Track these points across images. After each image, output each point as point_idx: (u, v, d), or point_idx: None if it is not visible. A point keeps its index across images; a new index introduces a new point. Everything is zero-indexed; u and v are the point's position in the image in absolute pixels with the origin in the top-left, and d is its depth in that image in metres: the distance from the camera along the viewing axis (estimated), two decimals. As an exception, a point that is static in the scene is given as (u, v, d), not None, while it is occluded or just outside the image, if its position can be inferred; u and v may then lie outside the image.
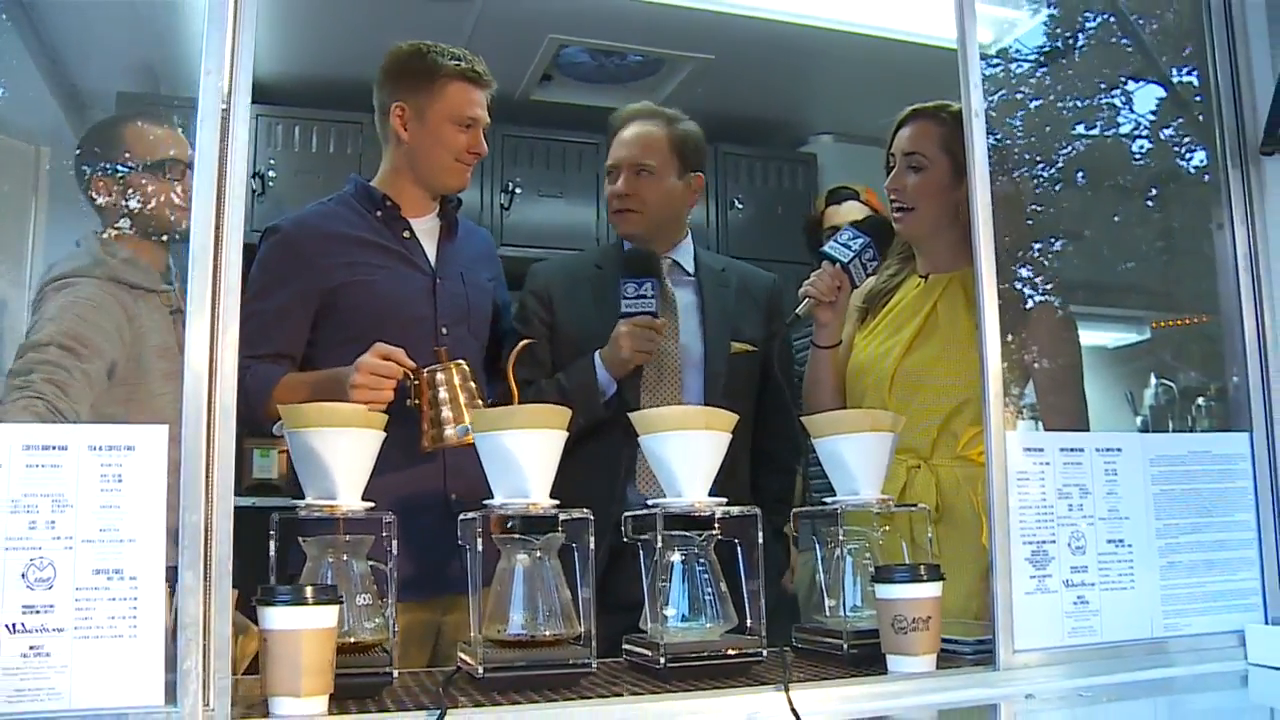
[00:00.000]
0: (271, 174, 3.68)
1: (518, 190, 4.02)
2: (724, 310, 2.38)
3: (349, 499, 1.44)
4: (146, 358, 1.84)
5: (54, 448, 1.21)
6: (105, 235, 1.87)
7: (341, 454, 1.44)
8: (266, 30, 3.45)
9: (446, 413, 1.89)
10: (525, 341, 2.00)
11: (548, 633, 1.47)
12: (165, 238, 1.91)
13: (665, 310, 2.34)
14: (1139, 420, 2.67)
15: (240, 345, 2.01)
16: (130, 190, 1.87)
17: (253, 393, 1.94)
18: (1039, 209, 2.25)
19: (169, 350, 1.86)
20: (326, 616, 1.29)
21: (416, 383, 1.90)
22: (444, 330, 2.15)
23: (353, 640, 1.44)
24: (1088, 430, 1.89)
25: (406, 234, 2.19)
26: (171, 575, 1.23)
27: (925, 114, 2.06)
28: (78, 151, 1.94)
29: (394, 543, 1.43)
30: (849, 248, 2.00)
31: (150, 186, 1.87)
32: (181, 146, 1.91)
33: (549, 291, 2.37)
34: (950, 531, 1.87)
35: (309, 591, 1.28)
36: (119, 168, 1.88)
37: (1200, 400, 2.31)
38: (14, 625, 1.17)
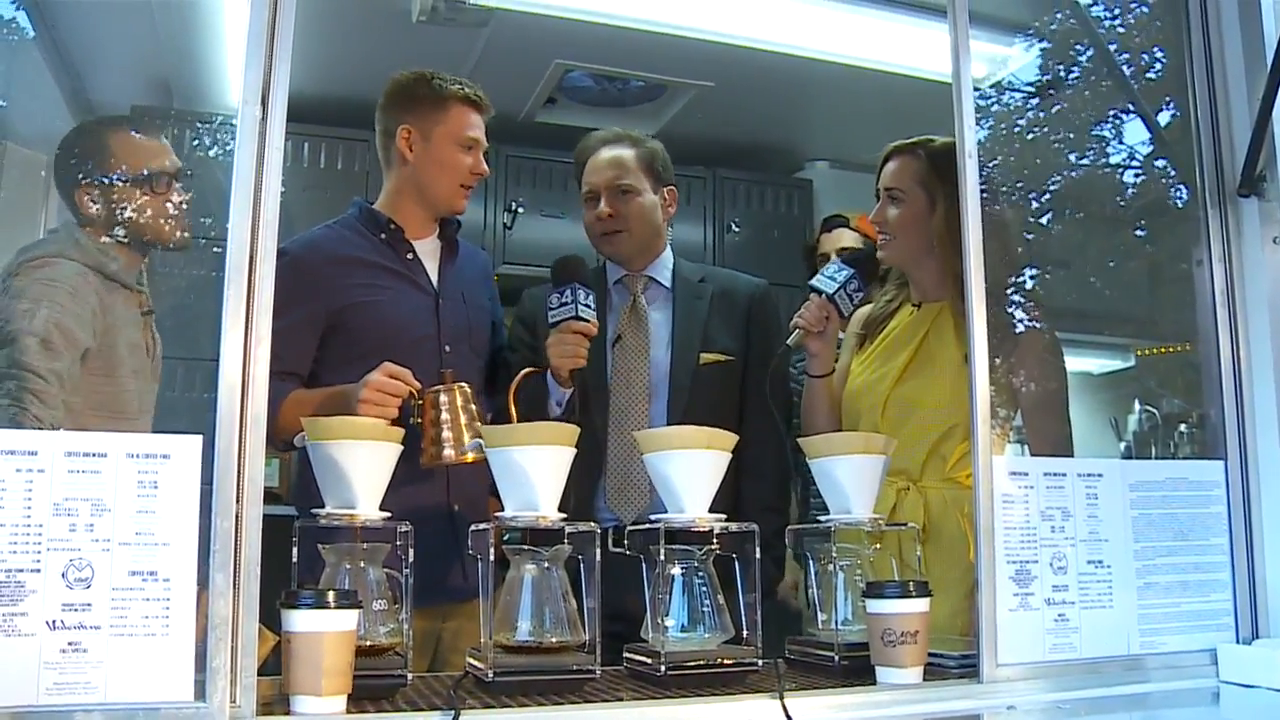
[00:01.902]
0: (280, 190, 3.71)
1: (520, 210, 4.09)
2: (694, 321, 2.43)
3: (367, 508, 1.51)
4: (118, 351, 1.86)
5: (94, 454, 1.27)
6: (87, 223, 1.90)
7: (361, 465, 1.51)
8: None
9: (446, 433, 1.96)
10: (527, 370, 2.07)
11: (553, 639, 1.53)
12: (145, 244, 1.95)
13: (635, 327, 2.42)
14: (1123, 445, 2.73)
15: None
16: (114, 199, 1.91)
17: None
18: (1027, 238, 2.33)
19: (137, 348, 1.91)
20: (347, 620, 1.35)
21: (420, 402, 1.97)
22: (446, 349, 2.21)
23: (369, 644, 1.50)
24: (1072, 454, 1.96)
25: (410, 255, 2.26)
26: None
27: (904, 150, 2.15)
28: (63, 152, 1.97)
29: (410, 551, 1.50)
30: (834, 279, 2.09)
31: (134, 197, 1.92)
32: (168, 159, 1.97)
33: (533, 317, 2.42)
34: (937, 551, 1.94)
35: (331, 596, 1.35)
36: (104, 177, 1.92)
37: (1182, 427, 2.37)
38: (54, 622, 1.23)
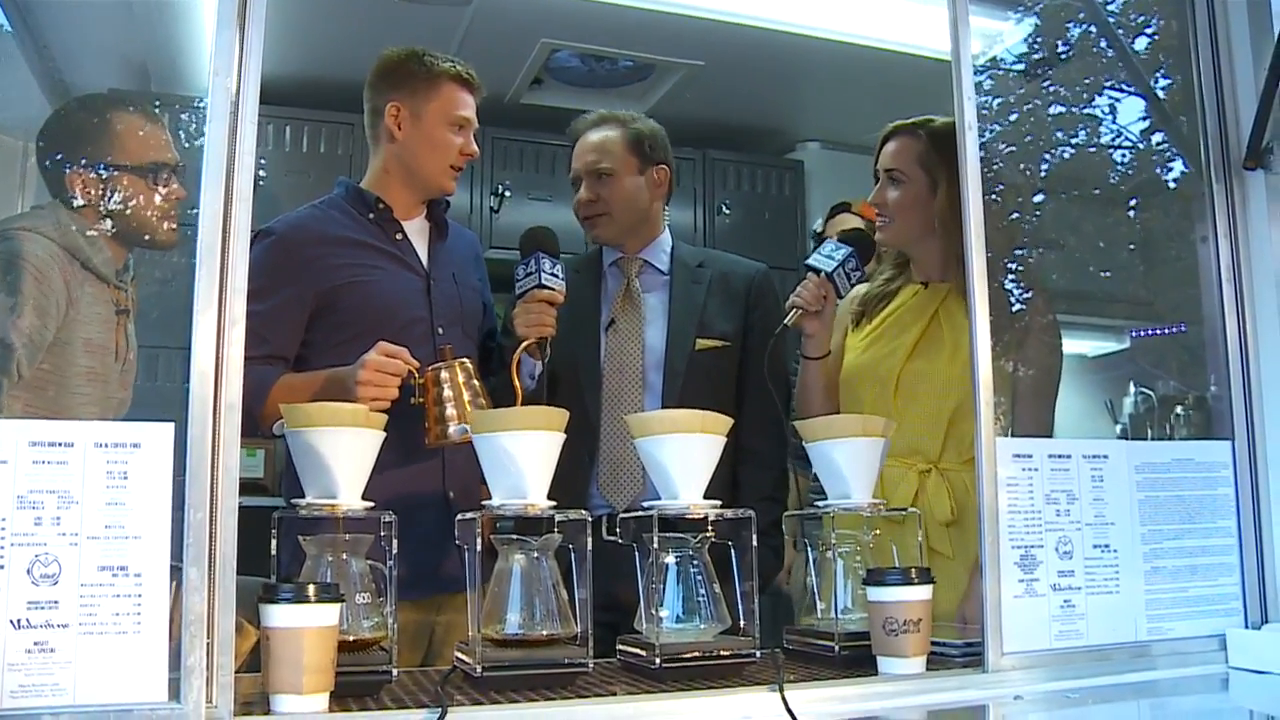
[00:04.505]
0: (262, 174, 3.66)
1: (507, 193, 4.03)
2: (690, 305, 2.39)
3: (349, 498, 1.46)
4: (72, 349, 1.75)
5: (60, 444, 1.21)
6: (73, 209, 1.78)
7: (342, 453, 1.45)
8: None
9: (450, 410, 1.90)
10: (527, 343, 2.02)
11: (544, 632, 1.48)
12: (132, 237, 1.84)
13: (629, 310, 2.38)
14: (1118, 428, 2.70)
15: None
16: (109, 186, 1.80)
17: (248, 394, 1.95)
18: (1023, 217, 2.28)
19: (99, 349, 1.79)
20: (328, 615, 1.30)
21: (421, 381, 1.92)
22: (440, 330, 2.16)
23: (351, 639, 1.45)
24: (1051, 436, 1.92)
25: (399, 235, 2.20)
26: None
27: (904, 131, 2.11)
28: (56, 129, 1.87)
29: (394, 542, 1.44)
30: (832, 258, 2.04)
31: (132, 187, 1.81)
32: (171, 150, 1.87)
33: None
34: (964, 533, 1.90)
35: (311, 590, 1.29)
36: (102, 163, 1.81)
37: (1179, 408, 2.34)
38: (19, 621, 1.17)
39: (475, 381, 1.95)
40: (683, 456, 1.56)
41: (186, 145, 2.15)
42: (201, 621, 1.23)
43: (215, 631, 1.24)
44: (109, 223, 1.83)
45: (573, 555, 1.51)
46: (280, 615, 1.28)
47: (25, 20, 2.21)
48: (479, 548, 1.45)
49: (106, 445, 1.23)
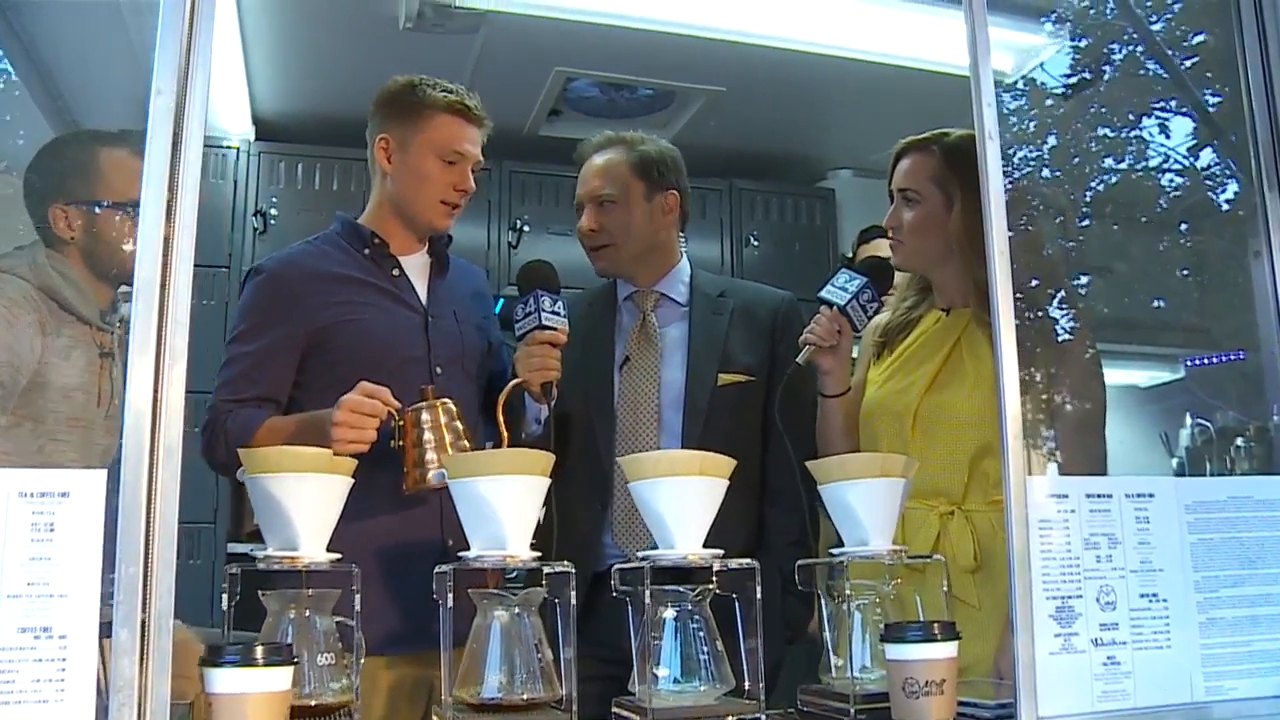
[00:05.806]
0: (274, 212, 3.65)
1: (525, 228, 3.95)
2: (712, 339, 2.26)
3: (312, 549, 1.35)
4: (49, 395, 1.69)
5: (-21, 494, 1.12)
6: (54, 250, 1.73)
7: (304, 501, 1.35)
8: (269, 67, 3.41)
9: (430, 454, 1.80)
10: (515, 382, 1.92)
11: (524, 696, 1.36)
12: (119, 276, 1.77)
13: (645, 346, 2.27)
14: (1174, 462, 2.56)
15: (222, 389, 1.96)
16: (95, 223, 1.75)
17: (235, 438, 1.87)
18: (1066, 243, 2.17)
19: (79, 394, 1.73)
20: (278, 679, 1.19)
21: (401, 423, 1.81)
22: (438, 370, 2.07)
23: (313, 703, 1.34)
24: (1104, 474, 1.77)
25: (396, 272, 2.12)
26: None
27: (916, 147, 2.00)
28: (43, 162, 1.83)
29: (357, 598, 1.33)
30: (846, 290, 1.92)
31: (119, 224, 1.76)
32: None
33: None
34: (989, 581, 1.77)
35: (259, 651, 1.18)
36: (88, 199, 1.76)
37: (1239, 440, 2.21)
38: (-72, 690, 1.07)
39: (458, 423, 1.85)
40: (679, 502, 1.43)
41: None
42: (132, 689, 1.11)
43: (148, 699, 1.12)
44: (93, 262, 1.78)
45: (558, 611, 1.38)
46: (222, 680, 1.17)
47: (36, 64, 2.18)
48: (449, 603, 1.34)
49: (31, 495, 1.13)
